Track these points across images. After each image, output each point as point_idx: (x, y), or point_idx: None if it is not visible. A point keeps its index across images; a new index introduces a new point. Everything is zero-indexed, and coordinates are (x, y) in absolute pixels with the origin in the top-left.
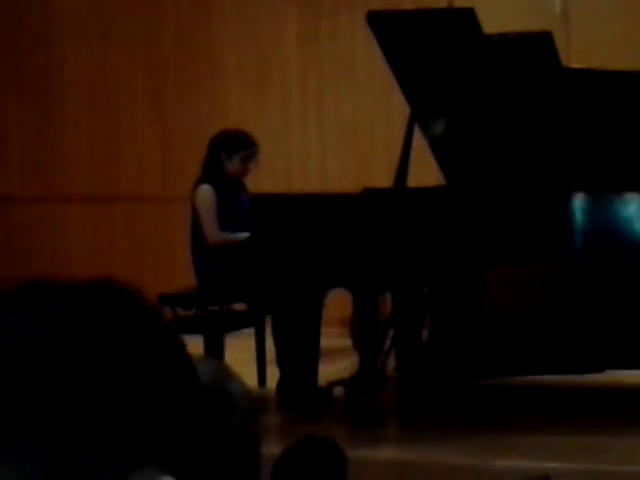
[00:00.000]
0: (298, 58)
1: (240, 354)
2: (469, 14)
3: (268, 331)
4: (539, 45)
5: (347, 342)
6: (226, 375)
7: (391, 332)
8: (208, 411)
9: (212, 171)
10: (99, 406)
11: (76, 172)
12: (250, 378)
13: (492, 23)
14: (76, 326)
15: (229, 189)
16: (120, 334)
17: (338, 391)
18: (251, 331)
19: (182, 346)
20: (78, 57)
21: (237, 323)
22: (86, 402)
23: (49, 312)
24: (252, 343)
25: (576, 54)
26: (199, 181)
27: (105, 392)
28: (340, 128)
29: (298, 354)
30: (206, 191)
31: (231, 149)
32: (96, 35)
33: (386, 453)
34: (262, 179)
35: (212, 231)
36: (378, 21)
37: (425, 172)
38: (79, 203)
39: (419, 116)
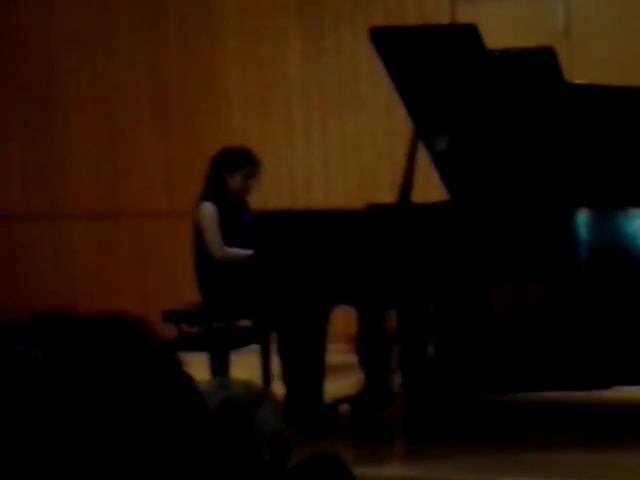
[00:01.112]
0: (301, 75)
1: (245, 371)
2: (472, 30)
3: (273, 348)
4: (542, 61)
5: (353, 359)
6: (259, 402)
7: (397, 348)
8: (220, 428)
9: (214, 188)
10: (109, 436)
11: (80, 189)
12: None
13: (495, 39)
14: (88, 357)
15: (231, 206)
16: (130, 367)
17: (344, 408)
18: (256, 348)
19: (190, 380)
20: (82, 74)
21: (242, 340)
22: (97, 432)
23: (62, 343)
24: (257, 360)
25: (579, 70)
26: (201, 198)
27: (114, 422)
28: (344, 144)
29: (304, 371)
30: (208, 208)
31: (233, 166)
32: (100, 52)
33: (392, 470)
34: (266, 195)
35: (217, 246)
36: (381, 37)
37: (429, 188)
38: (83, 220)
39: (422, 132)
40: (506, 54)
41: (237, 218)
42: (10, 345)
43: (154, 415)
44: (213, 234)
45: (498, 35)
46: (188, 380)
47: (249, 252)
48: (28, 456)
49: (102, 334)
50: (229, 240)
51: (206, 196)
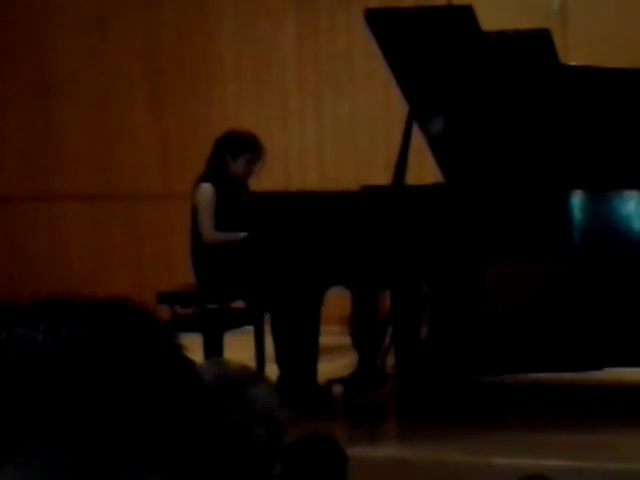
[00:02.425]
0: (296, 56)
1: (239, 352)
2: (467, 11)
3: (267, 329)
4: (537, 42)
5: (346, 340)
6: (253, 381)
7: (390, 330)
8: (214, 407)
9: (216, 170)
10: (106, 417)
11: (74, 170)
12: None
13: (490, 20)
14: (88, 340)
15: (231, 190)
16: (129, 349)
17: (337, 389)
18: (250, 329)
19: (191, 365)
20: (76, 55)
21: (236, 321)
22: (94, 413)
23: (62, 326)
24: (251, 341)
25: (574, 51)
26: (201, 179)
27: (113, 404)
28: (338, 126)
29: (297, 352)
30: (206, 189)
31: (237, 150)
32: (94, 33)
33: (385, 451)
34: (261, 177)
35: (207, 230)
36: (376, 18)
37: (423, 170)
38: (78, 201)
39: (417, 114)
40: (502, 36)
41: (236, 201)
42: (10, 327)
43: (152, 396)
44: (206, 217)
45: (494, 17)
46: (187, 362)
47: (240, 235)
48: (25, 436)
49: (102, 317)
50: (227, 223)
51: (207, 177)
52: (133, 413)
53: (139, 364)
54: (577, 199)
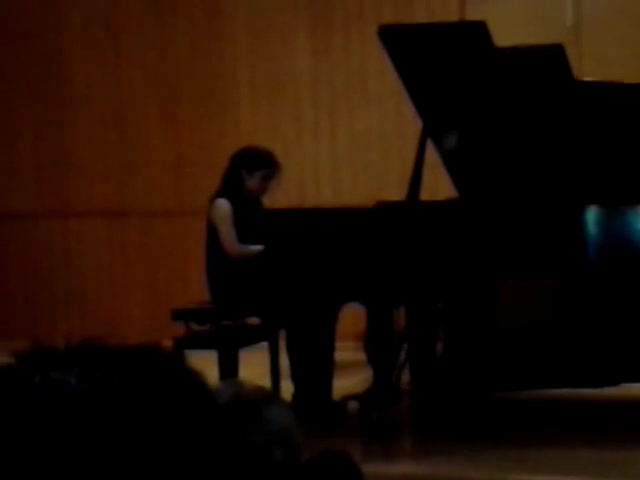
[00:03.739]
0: (310, 72)
1: (254, 369)
2: (481, 27)
3: (282, 345)
4: (551, 58)
5: (361, 356)
6: (269, 402)
7: (405, 346)
8: (231, 428)
9: (231, 186)
10: (136, 458)
11: (90, 187)
12: None
13: (504, 36)
14: (120, 384)
15: (245, 206)
16: (160, 394)
17: (352, 405)
18: (265, 345)
19: (218, 407)
20: (91, 72)
21: (251, 338)
22: (125, 454)
23: (96, 370)
24: (266, 357)
25: (588, 67)
26: (216, 195)
27: (143, 446)
28: (353, 142)
29: (312, 368)
30: (223, 205)
31: (253, 166)
32: (109, 50)
33: (401, 467)
34: (275, 193)
35: (232, 244)
36: (390, 35)
37: (438, 185)
38: (92, 218)
39: (431, 129)
40: (515, 51)
41: (250, 217)
42: (44, 371)
43: (180, 438)
44: (228, 231)
45: (507, 32)
46: (214, 405)
47: (261, 247)
48: (58, 477)
49: (133, 363)
50: (241, 238)
51: (222, 193)
52: (163, 454)
53: (168, 408)
54: (592, 214)
